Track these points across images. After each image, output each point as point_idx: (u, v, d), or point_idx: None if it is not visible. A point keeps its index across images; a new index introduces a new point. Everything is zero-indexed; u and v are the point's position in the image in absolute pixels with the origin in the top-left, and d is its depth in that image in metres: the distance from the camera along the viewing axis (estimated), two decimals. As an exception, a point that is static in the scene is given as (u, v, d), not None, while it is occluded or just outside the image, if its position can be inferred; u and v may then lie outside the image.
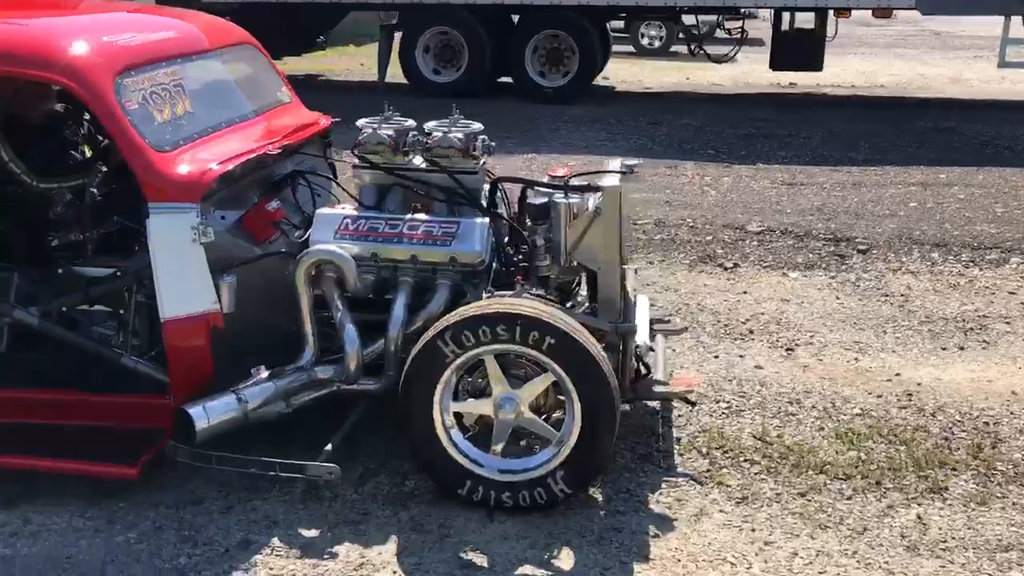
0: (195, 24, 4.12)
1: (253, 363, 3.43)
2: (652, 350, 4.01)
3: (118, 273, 3.64)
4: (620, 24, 16.85)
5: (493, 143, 3.83)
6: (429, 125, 3.77)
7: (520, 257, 3.72)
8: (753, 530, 3.23)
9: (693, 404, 3.86)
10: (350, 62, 15.24)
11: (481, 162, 3.73)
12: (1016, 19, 10.91)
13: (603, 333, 3.52)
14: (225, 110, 3.81)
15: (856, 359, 4.54)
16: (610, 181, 3.55)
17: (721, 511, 3.34)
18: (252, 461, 3.28)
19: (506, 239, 3.79)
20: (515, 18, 11.83)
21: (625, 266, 4.14)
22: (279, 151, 3.68)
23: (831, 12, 11.64)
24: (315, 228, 3.61)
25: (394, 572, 3.03)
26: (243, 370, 3.41)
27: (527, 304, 3.21)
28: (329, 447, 3.36)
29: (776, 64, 11.92)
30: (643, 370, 3.62)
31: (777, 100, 12.02)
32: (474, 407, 3.31)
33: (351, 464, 3.58)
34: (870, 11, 11.69)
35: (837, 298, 5.32)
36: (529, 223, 3.73)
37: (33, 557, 3.11)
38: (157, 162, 3.25)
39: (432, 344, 3.20)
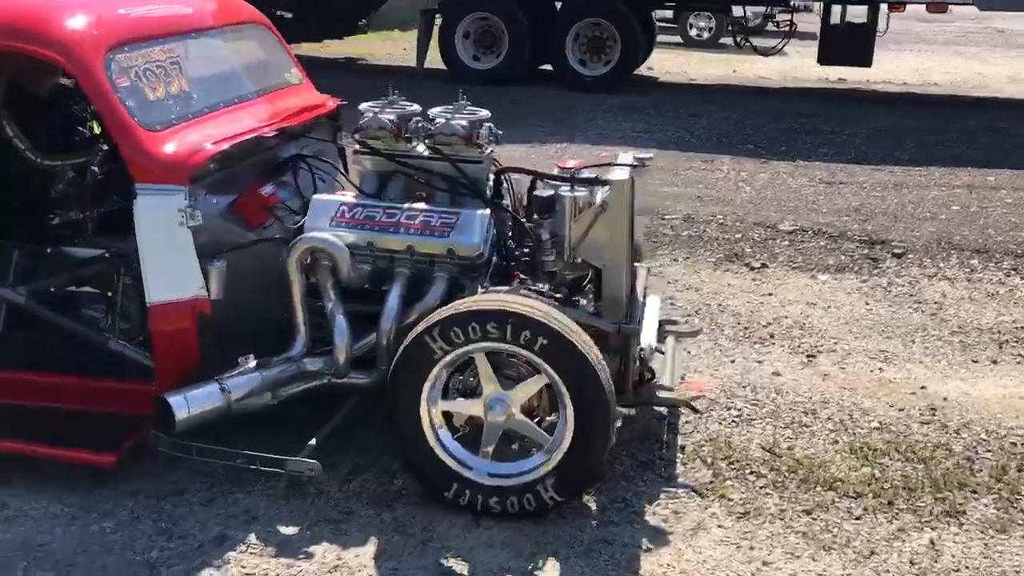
0: (201, 1, 4.01)
1: (246, 352, 3.33)
2: (661, 352, 3.85)
3: (106, 254, 3.56)
4: (669, 14, 16.62)
5: (500, 131, 3.67)
6: (433, 111, 3.63)
7: (522, 251, 3.56)
8: (752, 548, 3.05)
9: (698, 412, 3.68)
10: (393, 47, 15.14)
11: (486, 151, 3.58)
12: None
13: (606, 334, 3.37)
14: (224, 90, 3.70)
15: (880, 369, 4.32)
16: (618, 175, 3.39)
17: (720, 526, 3.17)
18: (233, 454, 3.17)
19: (510, 232, 3.64)
20: (557, 5, 11.64)
21: (637, 263, 4.01)
22: (275, 133, 3.56)
23: (884, 6, 11.28)
24: (310, 214, 3.49)
25: (369, 576, 2.91)
26: (235, 359, 3.31)
27: (520, 302, 3.06)
28: (313, 442, 3.25)
29: (824, 58, 11.58)
30: (647, 374, 3.45)
31: (824, 95, 11.69)
32: (463, 407, 3.17)
33: (340, 459, 3.47)
34: (924, 6, 11.29)
35: (866, 304, 5.09)
36: (535, 216, 3.59)
37: (6, 543, 3.04)
38: (145, 141, 3.15)
39: (420, 340, 3.06)
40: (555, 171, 3.63)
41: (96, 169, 3.76)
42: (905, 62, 14.57)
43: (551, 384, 3.07)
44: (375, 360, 3.37)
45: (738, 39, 13.27)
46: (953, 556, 3.03)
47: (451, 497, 3.17)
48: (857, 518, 3.22)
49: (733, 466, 3.50)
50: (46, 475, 3.29)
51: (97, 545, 3.03)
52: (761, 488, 3.37)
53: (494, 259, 3.49)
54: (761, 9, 13.96)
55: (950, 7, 11.78)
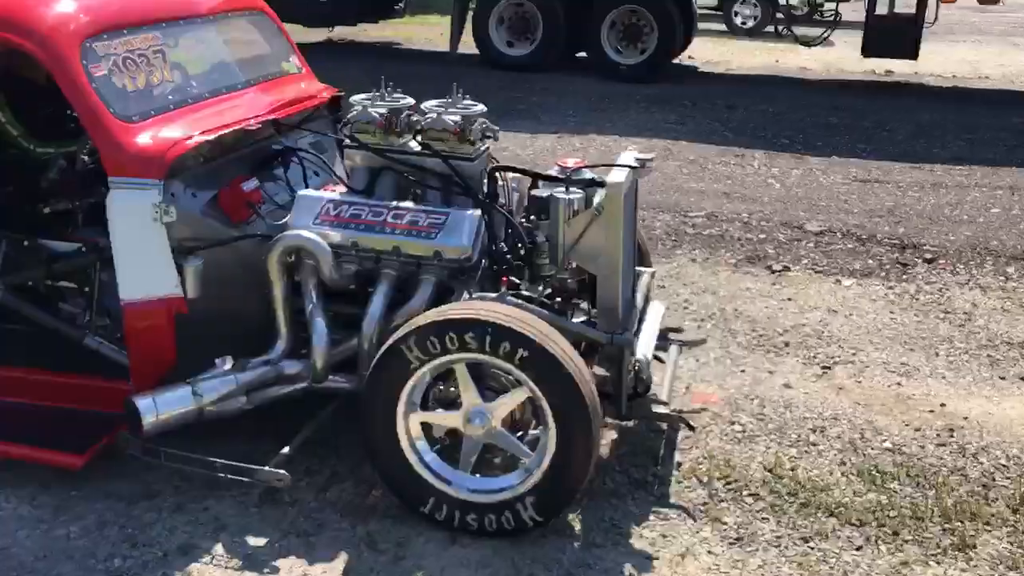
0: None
1: (228, 352, 3.21)
2: (662, 361, 3.68)
3: (82, 249, 3.46)
4: (713, 1, 16.25)
5: (497, 127, 3.50)
6: (426, 105, 3.48)
7: (516, 255, 3.39)
8: (741, 578, 2.88)
9: (692, 429, 3.49)
10: (431, 31, 14.97)
11: (480, 148, 3.42)
12: None
13: (600, 345, 3.21)
14: (212, 80, 3.57)
15: (898, 384, 4.10)
16: (614, 177, 3.20)
17: (710, 552, 2.99)
18: (201, 460, 3.06)
19: (504, 235, 3.47)
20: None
21: (641, 268, 3.82)
22: (260, 126, 3.43)
23: (933, -4, 10.88)
24: (295, 211, 3.36)
25: (334, 595, 2.79)
26: (219, 359, 3.20)
27: (501, 310, 2.89)
28: (286, 450, 3.13)
29: (868, 50, 11.19)
30: (640, 388, 3.27)
31: (868, 88, 11.32)
32: (442, 419, 3.03)
33: (319, 466, 3.36)
34: (976, -3, 10.88)
35: (891, 312, 4.84)
36: (532, 218, 3.43)
37: (-31, 546, 2.96)
38: (118, 133, 3.03)
39: (395, 349, 2.91)
40: (554, 169, 3.47)
41: (85, 158, 3.68)
42: (957, 54, 14.08)
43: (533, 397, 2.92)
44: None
45: (779, 28, 12.91)
46: (958, 595, 2.84)
47: (427, 512, 3.03)
48: (858, 548, 3.02)
49: (730, 486, 3.32)
50: (23, 472, 3.21)
51: (59, 551, 2.94)
52: (758, 512, 3.19)
53: (484, 262, 3.33)
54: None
55: (1003, -1, 11.30)
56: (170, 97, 3.32)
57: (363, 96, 3.52)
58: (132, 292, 3.12)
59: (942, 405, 3.93)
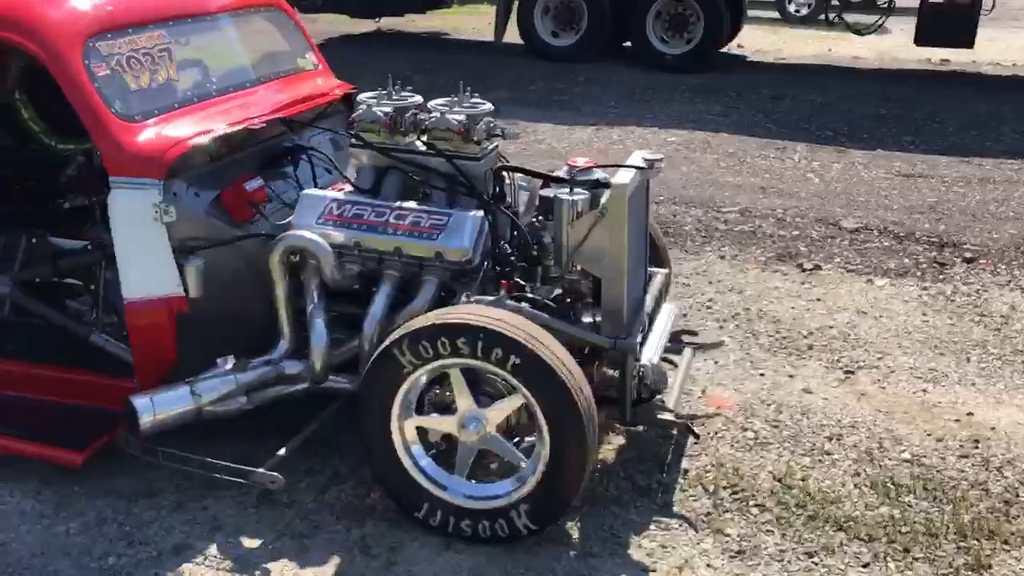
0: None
1: (232, 352, 3.21)
2: (674, 365, 3.60)
3: (88, 247, 3.48)
4: (766, -12, 15.92)
5: (504, 127, 3.44)
6: (432, 103, 3.43)
7: (518, 257, 3.33)
8: (739, 594, 2.80)
9: (697, 437, 3.41)
10: (479, 21, 14.89)
11: (486, 148, 3.36)
12: None
13: (604, 350, 3.14)
14: (220, 78, 3.56)
15: (924, 391, 3.96)
16: (619, 179, 3.12)
17: (709, 565, 2.91)
18: (198, 461, 3.06)
19: (508, 236, 3.41)
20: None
21: (657, 269, 3.74)
22: (265, 124, 3.41)
23: (992, -18, 10.52)
24: (298, 210, 3.34)
25: (322, 599, 2.77)
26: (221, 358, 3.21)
27: (494, 315, 2.84)
28: (283, 452, 3.12)
29: (921, 39, 10.85)
30: (644, 393, 3.19)
31: (921, 78, 10.99)
32: (437, 423, 2.99)
33: (321, 466, 3.35)
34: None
35: (923, 314, 4.68)
36: (540, 219, 3.37)
37: (-29, 541, 3.01)
38: (118, 133, 3.03)
39: (388, 353, 2.88)
40: (563, 169, 3.40)
41: (100, 153, 3.70)
42: (1019, 41, 13.60)
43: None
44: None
45: (830, 16, 12.57)
46: (966, 618, 2.72)
47: (422, 517, 3.00)
48: (864, 565, 2.92)
49: (736, 496, 3.23)
50: (27, 467, 3.24)
51: (56, 548, 2.97)
52: (763, 524, 3.10)
53: (487, 264, 3.28)
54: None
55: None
56: (176, 96, 3.31)
57: (369, 94, 3.49)
58: (133, 291, 3.13)
59: (969, 414, 3.78)
